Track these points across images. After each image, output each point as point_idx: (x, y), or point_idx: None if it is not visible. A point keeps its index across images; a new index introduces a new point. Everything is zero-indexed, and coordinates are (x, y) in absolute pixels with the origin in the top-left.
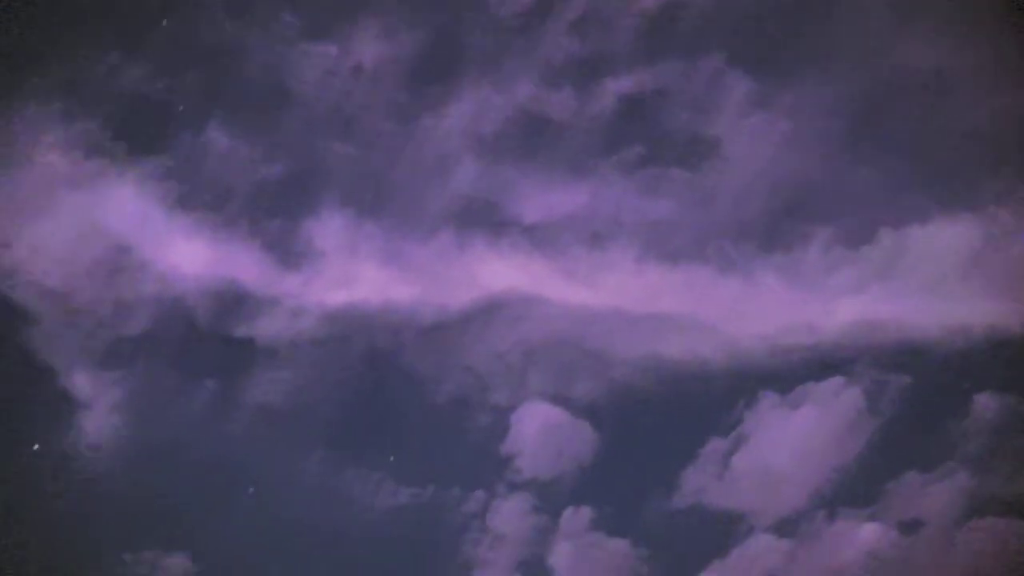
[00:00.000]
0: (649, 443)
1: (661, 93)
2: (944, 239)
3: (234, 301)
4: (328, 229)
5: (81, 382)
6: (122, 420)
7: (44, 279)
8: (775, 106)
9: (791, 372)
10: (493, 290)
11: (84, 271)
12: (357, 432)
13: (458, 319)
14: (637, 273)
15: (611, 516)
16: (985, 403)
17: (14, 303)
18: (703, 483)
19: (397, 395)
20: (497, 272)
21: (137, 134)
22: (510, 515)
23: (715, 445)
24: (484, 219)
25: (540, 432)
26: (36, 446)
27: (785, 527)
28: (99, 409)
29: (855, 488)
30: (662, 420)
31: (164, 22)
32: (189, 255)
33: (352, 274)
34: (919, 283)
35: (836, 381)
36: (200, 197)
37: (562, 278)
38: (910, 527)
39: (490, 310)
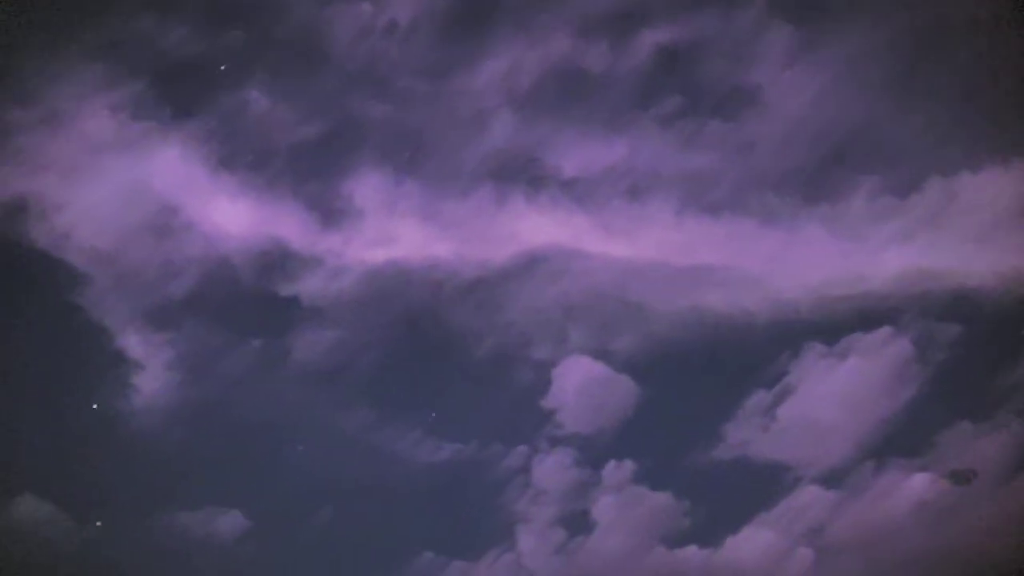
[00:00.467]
0: (691, 396)
1: (699, 44)
2: (995, 186)
3: (278, 260)
4: (367, 187)
5: (134, 342)
6: (175, 379)
7: (95, 241)
8: (817, 55)
9: (837, 323)
10: (532, 245)
11: (133, 233)
12: (400, 389)
13: (498, 275)
14: (677, 226)
15: (654, 469)
16: None
17: (68, 265)
18: (747, 435)
19: (439, 352)
20: (536, 227)
21: (180, 96)
22: (552, 470)
23: (759, 397)
24: (522, 174)
25: (581, 386)
26: (95, 405)
27: (833, 478)
28: (153, 369)
29: (905, 438)
30: (705, 373)
31: None
32: (233, 215)
33: (392, 232)
34: (970, 231)
35: (884, 331)
36: (242, 158)
37: (601, 232)
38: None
39: (530, 265)
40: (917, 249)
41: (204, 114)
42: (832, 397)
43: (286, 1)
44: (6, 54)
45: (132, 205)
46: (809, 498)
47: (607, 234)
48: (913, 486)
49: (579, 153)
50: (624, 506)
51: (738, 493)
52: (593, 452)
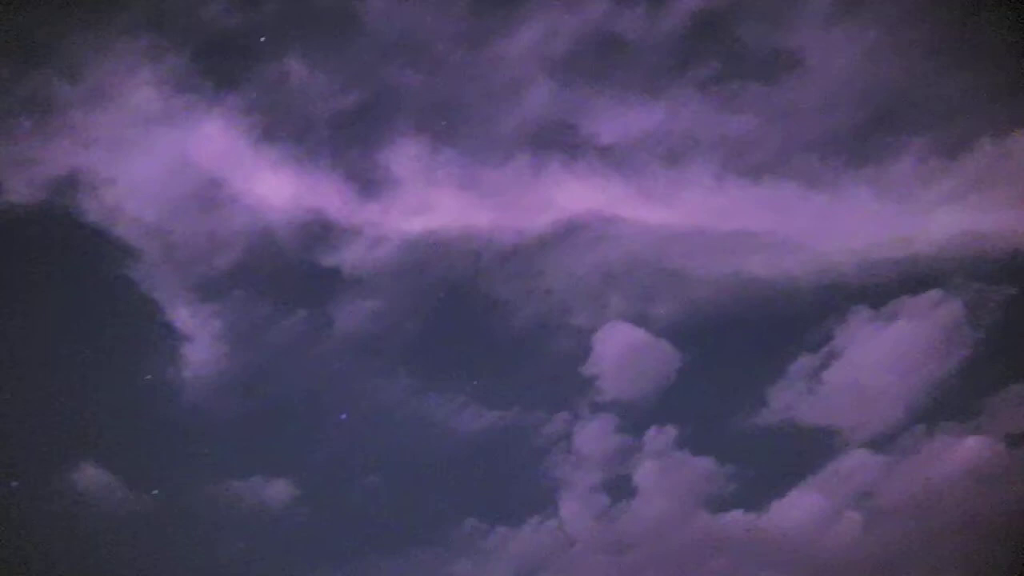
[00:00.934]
0: (734, 361)
1: (737, 6)
2: None
3: (319, 231)
4: (404, 157)
5: (183, 315)
6: (222, 351)
7: (143, 215)
8: (860, 15)
9: (884, 287)
10: (570, 212)
11: (179, 206)
12: (441, 357)
13: (536, 243)
14: (717, 191)
15: (695, 435)
16: None
17: (119, 239)
18: (793, 400)
19: (479, 320)
20: (574, 194)
21: (222, 68)
22: (593, 436)
23: (805, 361)
24: (559, 142)
25: (622, 353)
26: (148, 377)
27: (881, 442)
28: (201, 341)
29: (956, 402)
30: (747, 338)
31: None
32: (275, 187)
33: (430, 201)
34: (1022, 192)
35: (934, 294)
36: (283, 129)
37: (640, 198)
38: (1017, 440)
39: (568, 233)
40: (967, 211)
41: (245, 86)
42: (880, 361)
43: None
44: (55, 32)
45: (178, 179)
46: (857, 462)
47: (645, 200)
48: (965, 450)
49: (616, 119)
50: (666, 471)
51: (784, 457)
52: (634, 418)
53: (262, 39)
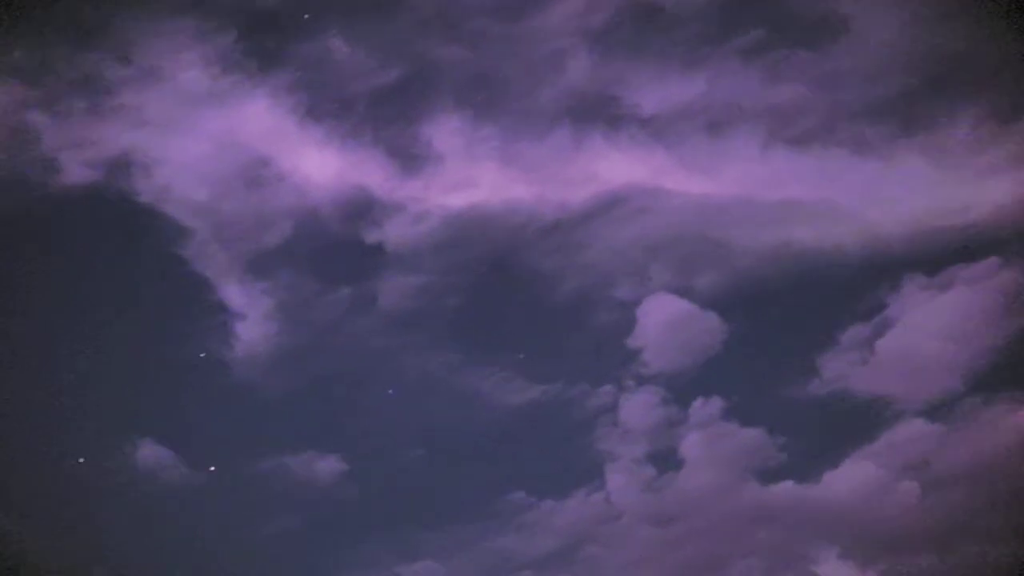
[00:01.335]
0: (782, 332)
1: None
2: None
3: (363, 208)
4: (445, 132)
5: (234, 292)
6: (273, 328)
7: (194, 194)
8: None
9: (939, 255)
10: (613, 185)
11: (228, 185)
12: (485, 331)
13: (578, 216)
14: (762, 160)
15: (743, 405)
16: None
17: (171, 218)
18: (844, 369)
19: (522, 294)
20: (616, 166)
21: (266, 47)
22: (639, 408)
23: (857, 331)
24: (600, 114)
25: (666, 324)
26: (202, 354)
27: (937, 412)
28: (253, 318)
29: (1015, 371)
30: (795, 308)
31: None
32: (320, 165)
33: (471, 176)
34: None
35: (991, 262)
36: (326, 107)
37: (683, 169)
38: None
39: (610, 205)
40: None
41: (289, 65)
42: (935, 330)
43: None
44: (106, 14)
45: (226, 158)
46: (913, 431)
47: (689, 171)
48: (1022, 419)
49: (658, 90)
50: (713, 443)
51: (836, 428)
52: (680, 389)
53: (305, 16)
